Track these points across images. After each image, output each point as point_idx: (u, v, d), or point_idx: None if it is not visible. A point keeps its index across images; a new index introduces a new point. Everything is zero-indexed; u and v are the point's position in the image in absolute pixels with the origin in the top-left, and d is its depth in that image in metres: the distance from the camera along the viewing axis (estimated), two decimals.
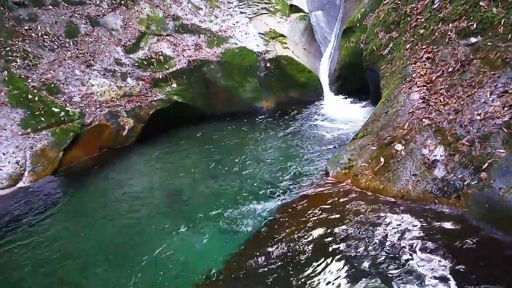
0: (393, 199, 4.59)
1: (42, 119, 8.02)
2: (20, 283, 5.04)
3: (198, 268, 4.79)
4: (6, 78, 8.10)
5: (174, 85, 10.24)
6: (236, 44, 10.82)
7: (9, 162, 7.24)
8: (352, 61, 9.66)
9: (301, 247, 4.29)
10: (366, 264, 3.68)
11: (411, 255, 3.65)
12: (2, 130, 7.46)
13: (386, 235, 3.98)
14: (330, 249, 4.05)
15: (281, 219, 5.06)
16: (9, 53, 8.40)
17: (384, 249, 3.81)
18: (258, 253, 4.41)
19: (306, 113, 10.01)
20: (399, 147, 5.00)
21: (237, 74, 10.72)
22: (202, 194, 6.69)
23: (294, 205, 5.30)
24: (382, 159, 5.04)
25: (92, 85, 9.14)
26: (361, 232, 4.14)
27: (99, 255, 5.44)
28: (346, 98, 10.18)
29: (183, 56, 10.46)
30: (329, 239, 4.23)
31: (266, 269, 4.13)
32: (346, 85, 10.35)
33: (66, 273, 5.14)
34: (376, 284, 3.41)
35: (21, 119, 7.80)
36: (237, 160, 7.84)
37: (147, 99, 9.70)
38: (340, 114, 9.25)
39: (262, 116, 10.55)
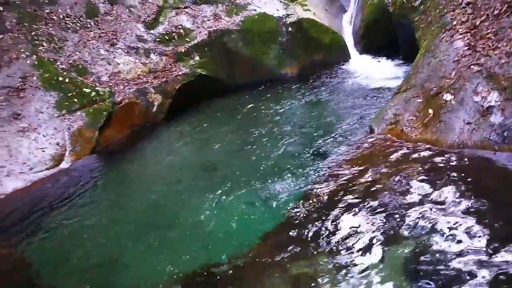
0: (448, 149, 4.53)
1: (75, 100, 8.10)
2: (80, 245, 5.40)
3: (238, 239, 4.88)
4: (36, 62, 8.14)
5: (197, 58, 10.13)
6: (256, 10, 10.57)
7: (50, 143, 7.38)
8: (377, 18, 9.38)
9: (356, 214, 4.27)
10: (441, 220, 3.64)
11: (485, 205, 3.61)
12: (40, 113, 7.57)
13: (455, 185, 3.94)
14: (389, 212, 4.03)
15: (328, 185, 5.03)
16: (35, 38, 8.41)
17: (459, 204, 3.76)
18: (301, 225, 4.42)
19: (334, 75, 9.85)
20: (448, 96, 4.89)
21: (258, 42, 10.52)
22: (237, 165, 6.73)
23: (341, 169, 5.26)
24: (430, 111, 4.95)
25: (118, 64, 9.13)
26: (424, 187, 4.10)
27: (144, 222, 5.67)
28: (373, 57, 9.95)
29: (203, 27, 10.30)
30: (386, 199, 4.21)
31: (313, 239, 4.12)
32: (371, 43, 10.11)
33: (117, 236, 5.43)
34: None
35: (56, 102, 7.88)
36: (268, 129, 7.81)
37: (172, 74, 9.66)
38: (370, 72, 9.09)
39: (288, 83, 10.42)
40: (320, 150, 6.26)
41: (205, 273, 4.36)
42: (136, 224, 5.62)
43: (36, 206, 6.42)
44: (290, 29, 10.49)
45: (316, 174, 5.57)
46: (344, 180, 4.95)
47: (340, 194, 4.70)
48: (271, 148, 6.98)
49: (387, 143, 5.19)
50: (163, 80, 9.46)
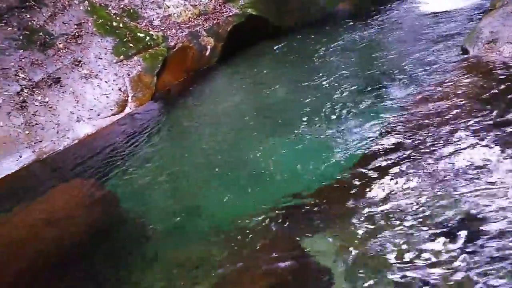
0: None
1: (131, 45, 7.94)
2: (157, 185, 5.47)
3: (307, 179, 4.71)
4: (89, 8, 7.95)
5: None
6: None
7: (112, 89, 7.35)
8: None
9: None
10: None
11: None
12: (99, 59, 7.49)
13: None
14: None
15: (416, 118, 4.68)
16: None
17: None
18: (378, 166, 4.14)
19: (393, 7, 9.11)
20: None
21: None
22: (297, 107, 6.46)
23: (433, 97, 4.86)
24: None
25: (168, 7, 8.81)
26: None
27: (213, 165, 5.62)
28: None
29: None
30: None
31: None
32: None
33: (191, 178, 5.47)
34: None
35: (112, 47, 7.76)
36: (327, 68, 7.42)
37: (222, 15, 9.27)
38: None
39: (342, 20, 9.80)
40: (401, 81, 5.87)
41: (280, 209, 4.28)
42: (206, 166, 5.59)
43: (109, 150, 6.49)
44: None
45: (394, 108, 5.24)
46: (436, 110, 4.60)
47: (434, 125, 4.38)
48: (333, 86, 6.64)
49: (487, 62, 4.72)
50: (214, 22, 9.10)
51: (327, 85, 6.86)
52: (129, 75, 7.66)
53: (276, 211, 4.33)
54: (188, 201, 5.06)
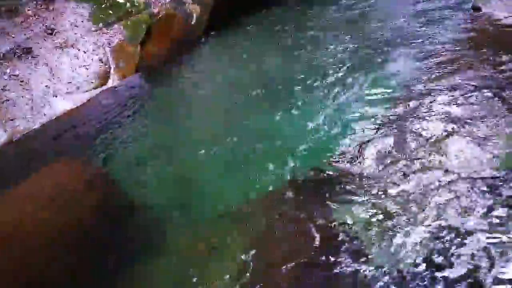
0: None
1: (110, 12, 7.16)
2: (150, 162, 4.91)
3: (314, 154, 4.29)
4: None
5: None
6: None
7: (92, 60, 6.58)
8: None
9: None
10: None
11: None
12: (75, 27, 6.68)
13: None
14: None
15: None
16: None
17: None
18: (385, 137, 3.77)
19: None
20: None
21: None
22: (294, 78, 5.94)
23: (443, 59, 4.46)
24: None
25: None
26: None
27: (209, 139, 5.10)
28: None
29: None
30: None
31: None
32: None
33: (187, 154, 4.93)
34: None
35: (89, 14, 6.96)
36: (329, 36, 6.92)
37: None
38: None
39: None
40: (408, 40, 5.44)
41: (293, 183, 3.83)
42: (205, 142, 5.01)
43: (93, 126, 5.80)
44: None
45: (400, 73, 4.87)
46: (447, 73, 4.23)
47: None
48: (333, 57, 6.14)
49: (500, 20, 4.32)
50: None
51: (326, 56, 6.34)
52: (110, 44, 6.89)
53: (289, 186, 3.87)
54: (191, 179, 4.52)
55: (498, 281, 2.52)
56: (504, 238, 2.73)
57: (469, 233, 2.84)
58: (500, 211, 2.93)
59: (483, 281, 2.55)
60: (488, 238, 2.77)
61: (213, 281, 3.21)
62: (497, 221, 2.87)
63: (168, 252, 3.62)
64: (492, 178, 3.20)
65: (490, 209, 2.96)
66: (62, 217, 4.11)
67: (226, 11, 9.14)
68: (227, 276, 3.20)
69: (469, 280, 2.58)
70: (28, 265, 3.61)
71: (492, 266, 2.62)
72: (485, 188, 3.13)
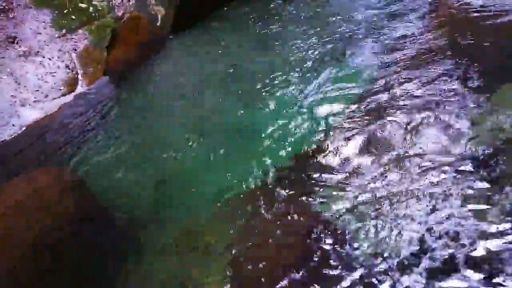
0: None
1: (73, 17, 7.07)
2: (131, 166, 4.99)
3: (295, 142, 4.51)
4: None
5: None
6: None
7: (58, 67, 6.51)
8: None
9: None
10: None
11: None
12: (38, 34, 6.58)
13: None
14: None
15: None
16: None
17: None
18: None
19: None
20: None
21: None
22: (266, 76, 6.09)
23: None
24: None
25: None
26: None
27: (188, 136, 5.25)
28: None
29: None
30: None
31: None
32: None
33: (168, 152, 5.03)
34: None
35: (52, 20, 6.86)
36: (299, 32, 7.10)
37: None
38: None
39: None
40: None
41: (279, 173, 4.02)
42: (181, 139, 5.13)
43: (65, 134, 5.79)
44: None
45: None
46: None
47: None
48: (303, 45, 6.36)
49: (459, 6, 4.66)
50: None
51: (294, 50, 6.55)
52: (75, 50, 6.83)
53: (271, 180, 4.02)
54: (169, 180, 4.60)
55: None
56: (484, 218, 3.00)
57: (451, 216, 3.10)
58: (479, 193, 3.20)
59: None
60: (468, 220, 3.04)
61: (199, 281, 3.30)
62: (478, 204, 3.14)
63: (151, 254, 3.68)
64: (467, 159, 3.47)
65: (470, 192, 3.21)
66: (38, 226, 4.10)
67: (192, 10, 9.18)
68: (214, 275, 3.30)
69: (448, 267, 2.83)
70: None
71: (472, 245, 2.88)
72: (463, 169, 3.39)
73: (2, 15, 6.53)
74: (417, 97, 4.41)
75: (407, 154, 3.78)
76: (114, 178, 4.76)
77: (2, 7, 6.62)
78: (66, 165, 5.10)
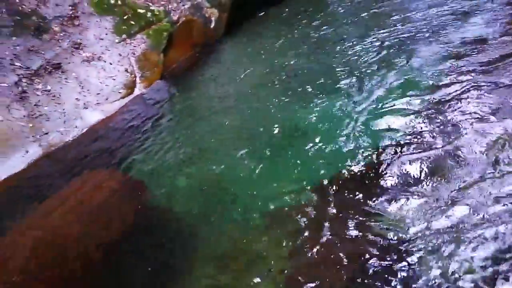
0: None
1: (132, 22, 7.28)
2: (185, 169, 4.88)
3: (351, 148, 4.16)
4: None
5: None
6: None
7: (118, 71, 6.72)
8: None
9: None
10: None
11: None
12: (100, 40, 6.84)
13: None
14: None
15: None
16: None
17: None
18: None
19: None
20: None
21: None
22: (321, 74, 5.87)
23: None
24: None
25: None
26: None
27: (243, 139, 5.11)
28: None
29: None
30: None
31: None
32: None
33: (222, 157, 4.91)
34: None
35: (113, 26, 7.11)
36: (346, 32, 6.78)
37: None
38: None
39: None
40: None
41: (330, 183, 3.72)
42: (235, 144, 5.02)
43: (124, 135, 5.92)
44: None
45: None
46: None
47: None
48: (358, 51, 6.02)
49: None
50: None
51: (350, 52, 6.23)
52: (134, 54, 7.02)
53: (328, 184, 3.76)
54: (222, 184, 4.47)
55: None
56: None
57: None
58: None
59: None
60: None
61: None
62: None
63: (205, 260, 3.57)
64: None
65: None
66: (99, 228, 4.18)
67: (245, 12, 9.18)
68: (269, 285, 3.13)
69: None
70: (64, 272, 3.69)
71: None
72: None
73: (69, 22, 6.87)
74: (489, 108, 3.87)
75: (475, 160, 3.34)
76: (172, 183, 4.74)
77: (69, 15, 6.96)
78: (125, 167, 5.19)
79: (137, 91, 6.75)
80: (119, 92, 6.54)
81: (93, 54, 6.73)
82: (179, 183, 4.77)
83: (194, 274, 3.43)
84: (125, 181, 4.93)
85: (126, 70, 6.77)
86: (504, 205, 2.94)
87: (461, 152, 3.51)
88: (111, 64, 6.72)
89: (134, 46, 7.09)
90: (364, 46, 6.09)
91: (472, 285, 2.57)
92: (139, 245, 3.90)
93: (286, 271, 3.13)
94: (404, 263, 2.85)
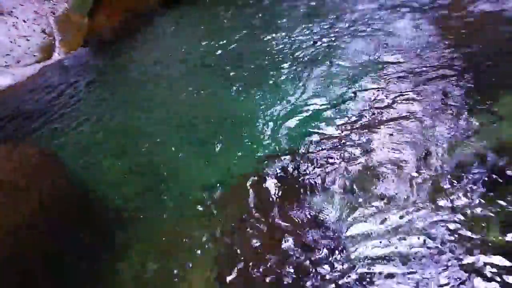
0: None
1: None
2: (107, 146, 4.54)
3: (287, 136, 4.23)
4: None
5: None
6: None
7: (34, 30, 5.91)
8: None
9: None
10: None
11: None
12: None
13: None
14: None
15: None
16: None
17: None
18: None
19: None
20: None
21: None
22: (257, 55, 5.73)
23: None
24: None
25: None
26: None
27: (167, 121, 4.85)
28: None
29: None
30: None
31: None
32: None
33: (144, 135, 4.64)
34: None
35: None
36: (295, 21, 6.70)
37: None
38: None
39: None
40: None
41: (260, 174, 3.74)
42: (166, 122, 4.75)
43: (38, 104, 5.29)
44: None
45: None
46: None
47: None
48: (299, 41, 5.98)
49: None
50: None
51: (291, 42, 6.13)
52: (53, 14, 6.21)
53: (263, 171, 3.74)
54: (153, 163, 4.21)
55: None
56: None
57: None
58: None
59: None
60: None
61: (187, 276, 3.06)
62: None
63: (133, 247, 3.38)
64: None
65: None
66: (9, 209, 3.70)
67: None
68: (203, 270, 3.06)
69: None
70: None
71: None
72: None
73: None
74: (408, 105, 4.11)
75: (404, 148, 3.58)
76: (92, 160, 4.34)
77: None
78: (38, 141, 4.63)
79: (56, 56, 6.01)
80: (34, 55, 5.76)
81: (1, 7, 5.80)
82: (101, 163, 4.40)
83: (122, 261, 3.23)
84: (42, 157, 4.41)
85: (44, 31, 5.98)
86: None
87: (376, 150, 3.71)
88: (25, 22, 5.87)
89: (54, 4, 6.27)
90: (306, 36, 6.07)
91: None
92: (56, 229, 3.53)
93: (219, 255, 3.10)
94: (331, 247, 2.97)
